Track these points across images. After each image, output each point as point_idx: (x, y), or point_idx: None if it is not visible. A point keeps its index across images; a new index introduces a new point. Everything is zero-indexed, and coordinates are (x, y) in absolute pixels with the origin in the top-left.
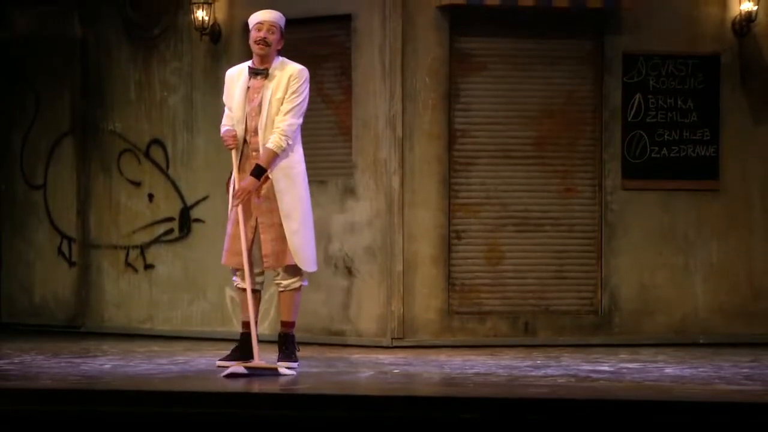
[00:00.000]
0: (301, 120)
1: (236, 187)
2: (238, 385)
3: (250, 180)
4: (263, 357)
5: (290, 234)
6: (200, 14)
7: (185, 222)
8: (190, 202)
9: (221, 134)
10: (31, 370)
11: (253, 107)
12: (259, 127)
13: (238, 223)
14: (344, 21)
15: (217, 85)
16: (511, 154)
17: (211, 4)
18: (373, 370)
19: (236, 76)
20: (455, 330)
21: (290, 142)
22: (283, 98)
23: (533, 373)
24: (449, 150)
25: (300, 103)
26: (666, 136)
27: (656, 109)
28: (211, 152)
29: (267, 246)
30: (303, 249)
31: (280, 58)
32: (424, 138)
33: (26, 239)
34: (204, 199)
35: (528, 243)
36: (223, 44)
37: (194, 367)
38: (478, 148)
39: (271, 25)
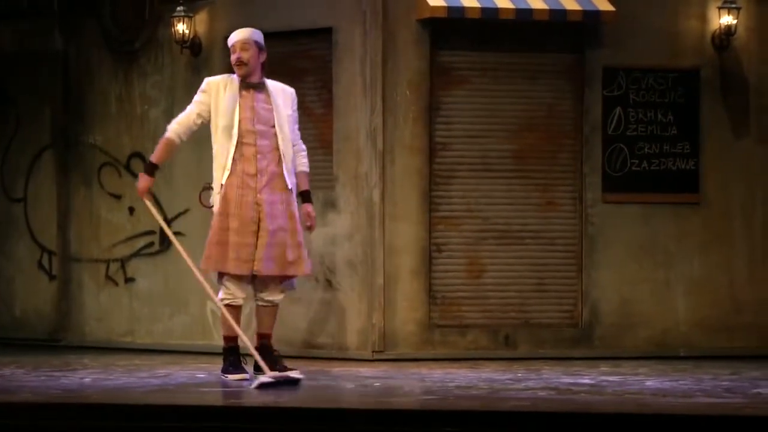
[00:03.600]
0: None
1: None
2: (218, 399)
3: (311, 206)
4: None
5: (300, 244)
6: (181, 27)
7: (166, 235)
8: (170, 215)
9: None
10: (11, 383)
11: (259, 117)
12: (280, 142)
13: (240, 232)
14: (325, 34)
15: None
16: (491, 168)
17: (191, 17)
18: (353, 383)
19: (222, 84)
20: (436, 343)
21: None
22: (291, 116)
23: (514, 386)
24: (430, 163)
25: None
26: (646, 150)
27: (636, 122)
28: (191, 165)
29: (274, 251)
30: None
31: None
32: (405, 151)
33: (6, 253)
34: (184, 212)
35: (509, 256)
36: (204, 57)
37: (175, 380)
38: (459, 162)
39: (244, 44)
